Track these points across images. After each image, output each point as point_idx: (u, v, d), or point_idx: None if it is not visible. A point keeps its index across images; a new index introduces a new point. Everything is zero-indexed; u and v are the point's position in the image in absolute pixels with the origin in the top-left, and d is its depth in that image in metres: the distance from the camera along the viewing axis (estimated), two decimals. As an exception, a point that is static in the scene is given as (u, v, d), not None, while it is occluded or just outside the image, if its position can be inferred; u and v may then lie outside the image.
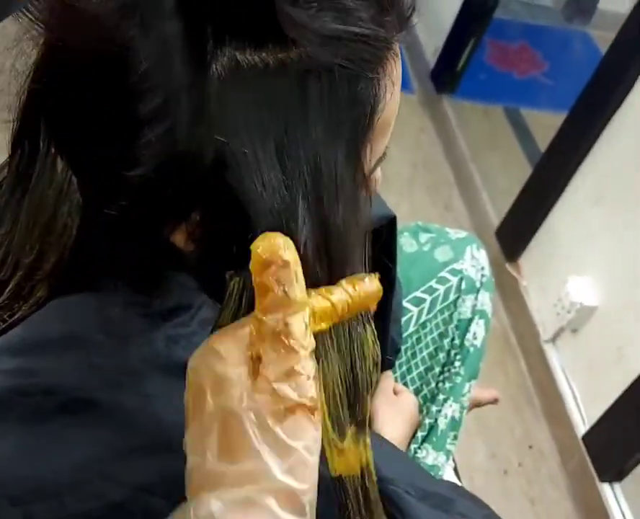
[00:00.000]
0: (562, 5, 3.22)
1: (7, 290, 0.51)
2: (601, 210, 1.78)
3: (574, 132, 1.87)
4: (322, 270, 0.45)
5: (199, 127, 0.42)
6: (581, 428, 1.73)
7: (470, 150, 2.36)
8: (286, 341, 0.38)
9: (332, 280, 0.45)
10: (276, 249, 0.39)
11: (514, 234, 2.05)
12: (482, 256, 1.07)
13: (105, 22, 0.40)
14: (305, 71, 0.43)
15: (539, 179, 2.00)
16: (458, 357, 0.99)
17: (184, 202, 0.46)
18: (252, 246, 0.40)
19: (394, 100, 0.49)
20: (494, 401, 1.16)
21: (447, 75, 2.53)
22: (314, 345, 0.40)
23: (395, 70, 0.48)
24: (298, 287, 0.39)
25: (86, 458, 0.47)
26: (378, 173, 0.54)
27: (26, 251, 0.50)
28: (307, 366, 0.39)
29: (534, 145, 2.49)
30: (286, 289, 0.39)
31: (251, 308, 0.42)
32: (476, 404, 1.11)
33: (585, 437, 1.70)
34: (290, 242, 0.40)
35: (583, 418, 1.74)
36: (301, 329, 0.39)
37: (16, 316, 0.51)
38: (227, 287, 0.44)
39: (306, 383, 0.38)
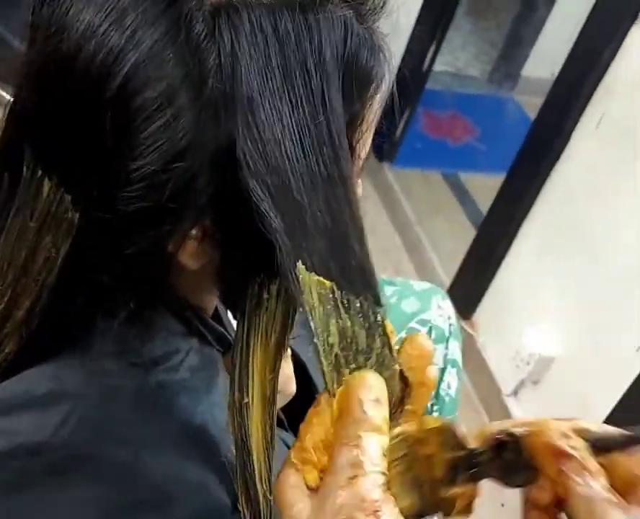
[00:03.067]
0: (487, 74, 3.37)
1: None
2: (548, 262, 1.81)
3: (514, 192, 1.92)
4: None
5: (203, 115, 0.41)
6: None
7: (414, 214, 2.39)
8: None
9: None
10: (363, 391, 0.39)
11: (466, 293, 2.06)
12: (448, 306, 1.07)
13: (94, 30, 0.40)
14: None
15: (484, 238, 2.04)
16: (435, 408, 0.97)
17: (192, 206, 0.43)
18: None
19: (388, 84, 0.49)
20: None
21: (386, 144, 2.59)
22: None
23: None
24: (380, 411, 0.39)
25: None
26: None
27: None
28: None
29: (474, 205, 2.55)
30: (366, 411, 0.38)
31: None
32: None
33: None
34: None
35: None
36: (376, 451, 0.37)
37: None
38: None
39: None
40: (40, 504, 0.44)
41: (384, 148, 2.58)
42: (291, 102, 0.42)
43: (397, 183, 2.51)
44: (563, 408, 1.73)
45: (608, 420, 1.56)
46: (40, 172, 0.44)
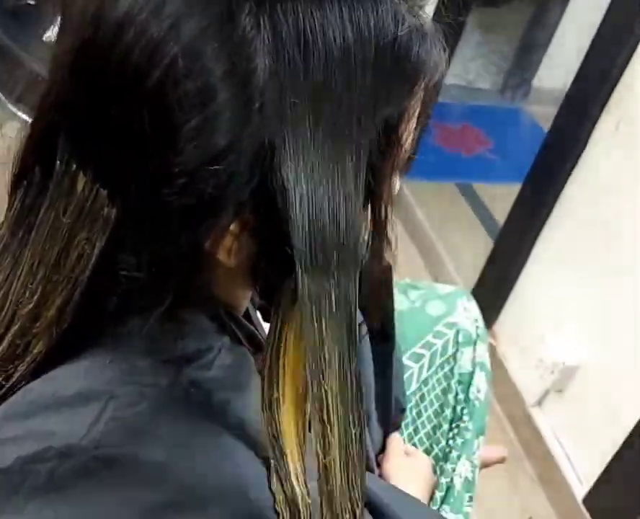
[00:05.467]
0: (499, 86, 3.36)
1: (0, 349, 0.46)
2: (569, 269, 1.78)
3: (532, 200, 1.90)
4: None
5: (246, 112, 0.39)
6: (581, 491, 1.67)
7: (430, 226, 2.38)
8: None
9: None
10: None
11: (486, 302, 2.02)
12: (474, 308, 1.05)
13: (134, 18, 0.38)
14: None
15: (503, 247, 2.02)
16: (465, 411, 0.95)
17: (231, 203, 0.42)
18: None
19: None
20: (502, 460, 1.11)
21: (399, 157, 2.57)
22: None
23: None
24: None
25: None
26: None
27: (25, 299, 0.44)
28: None
29: (490, 215, 2.54)
30: None
31: None
32: (485, 464, 1.06)
33: (586, 500, 1.65)
34: None
35: (580, 480, 1.69)
36: None
37: (14, 378, 0.45)
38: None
39: None
40: (72, 507, 0.42)
41: (397, 160, 2.57)
42: (332, 102, 0.41)
43: (412, 195, 2.49)
44: (589, 417, 1.69)
45: (636, 428, 1.53)
46: (74, 166, 0.42)
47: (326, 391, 0.43)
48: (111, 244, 0.43)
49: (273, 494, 0.45)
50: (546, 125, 1.91)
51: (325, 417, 0.43)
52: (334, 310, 0.44)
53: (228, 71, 0.39)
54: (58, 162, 0.42)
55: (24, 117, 1.68)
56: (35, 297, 0.44)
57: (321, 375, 0.43)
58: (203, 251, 0.44)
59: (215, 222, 0.43)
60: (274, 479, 0.46)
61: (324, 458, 0.44)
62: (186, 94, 0.38)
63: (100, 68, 0.39)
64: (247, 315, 0.60)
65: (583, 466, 1.69)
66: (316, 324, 0.43)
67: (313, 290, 0.43)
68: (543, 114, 2.82)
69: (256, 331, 0.56)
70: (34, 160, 0.44)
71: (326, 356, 0.43)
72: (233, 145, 0.40)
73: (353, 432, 0.44)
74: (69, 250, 0.43)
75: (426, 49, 0.45)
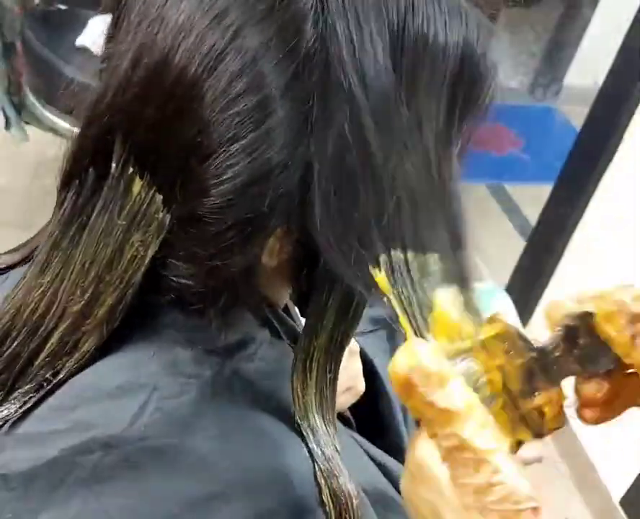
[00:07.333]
0: (528, 85, 3.34)
1: (48, 345, 0.46)
2: (602, 269, 1.76)
3: (564, 200, 1.88)
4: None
5: (300, 132, 0.39)
6: (617, 491, 1.65)
7: (461, 226, 2.37)
8: (471, 455, 0.33)
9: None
10: (414, 363, 0.34)
11: (518, 303, 2.01)
12: (509, 304, 1.04)
13: (194, 25, 0.38)
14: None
15: (536, 247, 2.00)
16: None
17: (281, 213, 0.42)
18: (390, 368, 0.35)
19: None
20: (538, 460, 1.10)
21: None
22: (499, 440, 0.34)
23: None
24: (452, 394, 0.34)
25: (161, 517, 0.41)
26: None
27: (75, 297, 0.45)
28: (505, 468, 0.33)
29: (521, 215, 2.52)
30: (441, 403, 0.34)
31: None
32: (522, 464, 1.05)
33: (623, 501, 1.62)
34: (429, 347, 0.35)
35: (617, 480, 1.66)
36: (480, 436, 0.33)
37: (61, 375, 0.46)
38: None
39: (511, 487, 0.33)
40: (117, 499, 0.42)
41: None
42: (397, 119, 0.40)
43: (442, 196, 2.48)
44: (625, 416, 1.66)
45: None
46: (130, 169, 0.42)
47: (314, 347, 0.47)
48: (164, 248, 0.43)
49: (319, 484, 0.45)
50: (579, 124, 1.89)
51: (307, 365, 0.47)
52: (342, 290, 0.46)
53: (289, 88, 0.38)
54: (114, 164, 0.42)
55: (57, 120, 1.71)
56: (87, 295, 0.44)
57: (314, 335, 0.47)
58: (249, 256, 0.44)
59: (263, 231, 0.43)
60: (318, 473, 0.46)
61: (303, 398, 0.47)
62: (243, 110, 0.38)
63: (158, 73, 0.39)
64: (286, 310, 0.60)
65: (619, 466, 1.67)
66: (324, 297, 0.46)
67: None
68: (575, 112, 2.79)
69: (295, 326, 0.57)
70: (89, 161, 0.44)
71: (324, 322, 0.46)
72: (287, 162, 0.40)
73: (329, 376, 0.48)
74: (123, 251, 0.43)
75: (489, 61, 0.45)
